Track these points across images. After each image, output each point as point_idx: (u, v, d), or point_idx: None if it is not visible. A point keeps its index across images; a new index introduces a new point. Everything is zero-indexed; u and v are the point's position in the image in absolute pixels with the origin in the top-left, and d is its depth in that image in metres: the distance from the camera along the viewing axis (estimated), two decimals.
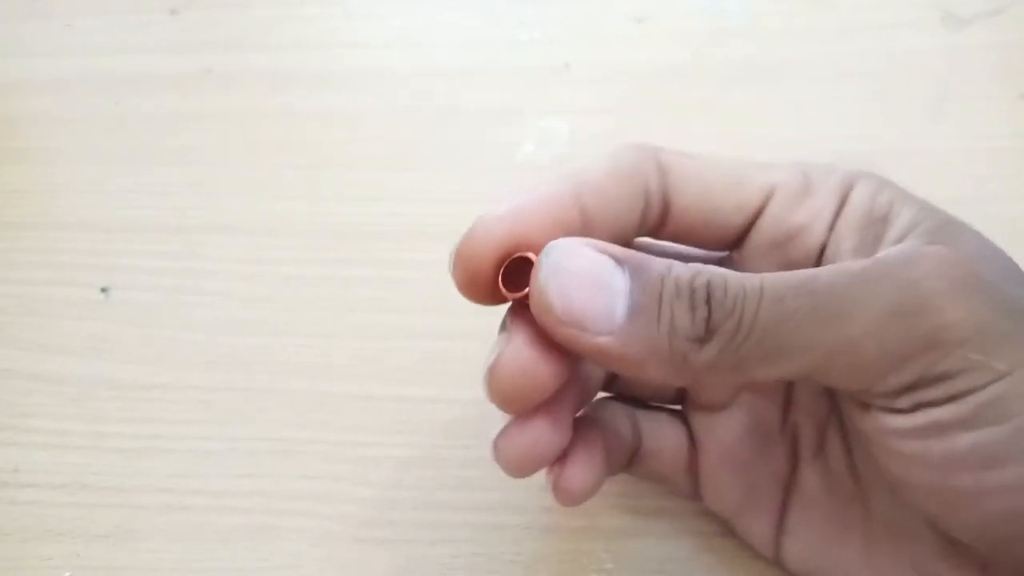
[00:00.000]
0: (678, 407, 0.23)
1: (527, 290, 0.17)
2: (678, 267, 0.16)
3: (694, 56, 0.35)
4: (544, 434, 0.19)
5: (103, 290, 0.30)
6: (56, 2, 0.39)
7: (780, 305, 0.16)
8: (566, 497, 0.20)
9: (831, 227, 0.19)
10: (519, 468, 0.19)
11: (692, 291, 0.16)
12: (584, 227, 0.18)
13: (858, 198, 0.19)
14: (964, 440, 0.16)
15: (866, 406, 0.17)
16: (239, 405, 0.27)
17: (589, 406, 0.22)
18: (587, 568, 0.23)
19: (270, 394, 0.27)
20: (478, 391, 0.26)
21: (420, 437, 0.26)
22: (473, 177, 0.32)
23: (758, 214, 0.19)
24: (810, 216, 0.19)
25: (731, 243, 0.20)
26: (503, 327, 0.18)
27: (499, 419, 0.26)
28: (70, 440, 0.26)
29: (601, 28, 0.36)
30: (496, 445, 0.19)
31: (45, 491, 0.25)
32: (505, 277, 0.18)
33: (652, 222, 0.19)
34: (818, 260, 0.19)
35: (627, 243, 0.19)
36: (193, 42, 0.37)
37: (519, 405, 0.18)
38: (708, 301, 0.16)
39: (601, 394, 0.23)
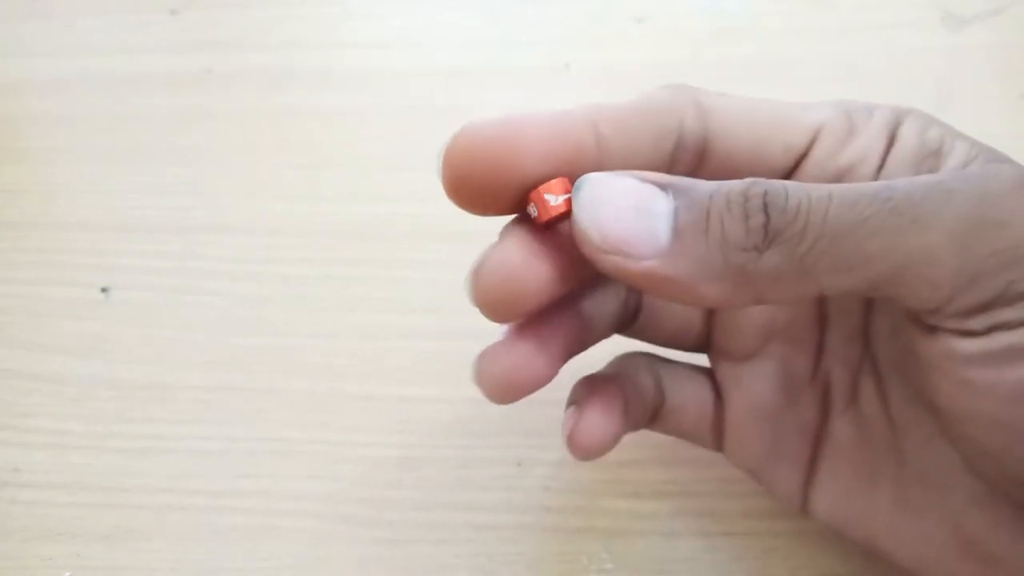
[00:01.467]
0: (705, 366, 0.22)
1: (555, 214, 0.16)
2: (730, 182, 0.16)
3: (694, 56, 0.35)
4: (529, 360, 0.18)
5: (103, 290, 0.30)
6: (56, 2, 0.39)
7: (853, 209, 0.15)
8: (580, 450, 0.20)
9: (880, 167, 0.18)
10: (498, 392, 0.18)
11: (746, 200, 0.15)
12: (601, 155, 0.17)
13: (907, 134, 0.18)
14: None
15: (933, 330, 0.16)
16: (239, 405, 0.27)
17: (611, 362, 0.22)
18: (587, 568, 0.23)
19: (270, 394, 0.27)
20: (478, 391, 0.26)
21: (420, 437, 0.26)
22: None
23: (804, 156, 0.18)
24: (857, 157, 0.18)
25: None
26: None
27: (500, 420, 0.26)
28: (70, 440, 0.26)
29: (601, 28, 0.36)
30: (477, 365, 0.18)
31: (45, 491, 0.25)
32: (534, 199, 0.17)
33: (687, 164, 0.18)
34: None
35: None
36: (193, 42, 0.37)
37: (502, 310, 0.17)
38: (765, 208, 0.15)
39: (622, 348, 0.22)
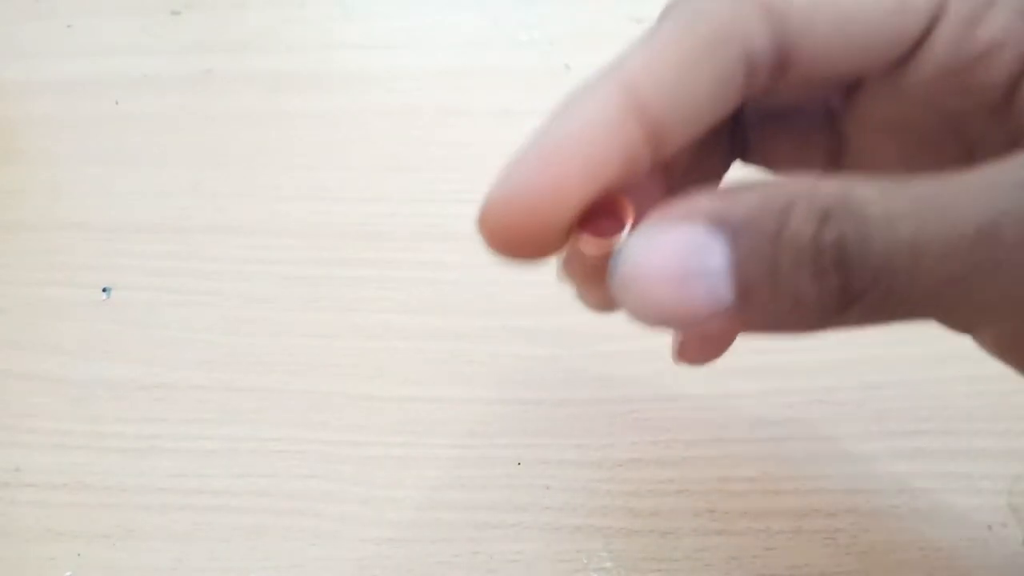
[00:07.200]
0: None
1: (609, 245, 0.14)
2: (799, 214, 0.12)
3: None
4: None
5: (104, 290, 0.30)
6: (57, 3, 0.39)
7: (948, 264, 0.12)
8: (693, 362, 0.20)
9: None
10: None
11: (817, 253, 0.12)
12: (653, 139, 0.14)
13: None
14: None
15: None
16: (239, 405, 0.27)
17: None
18: (587, 568, 0.23)
19: (270, 394, 0.27)
20: (478, 391, 0.26)
21: (420, 437, 0.26)
22: (473, 177, 0.32)
23: (921, 41, 0.15)
24: (995, 39, 0.15)
25: (881, 74, 0.16)
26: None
27: (500, 420, 0.26)
28: (70, 440, 0.26)
29: (601, 28, 0.36)
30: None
31: (46, 491, 0.25)
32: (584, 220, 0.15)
33: (762, 83, 0.15)
34: (1010, 92, 0.15)
35: (726, 119, 0.16)
36: (194, 43, 0.37)
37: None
38: (842, 266, 0.12)
39: None
